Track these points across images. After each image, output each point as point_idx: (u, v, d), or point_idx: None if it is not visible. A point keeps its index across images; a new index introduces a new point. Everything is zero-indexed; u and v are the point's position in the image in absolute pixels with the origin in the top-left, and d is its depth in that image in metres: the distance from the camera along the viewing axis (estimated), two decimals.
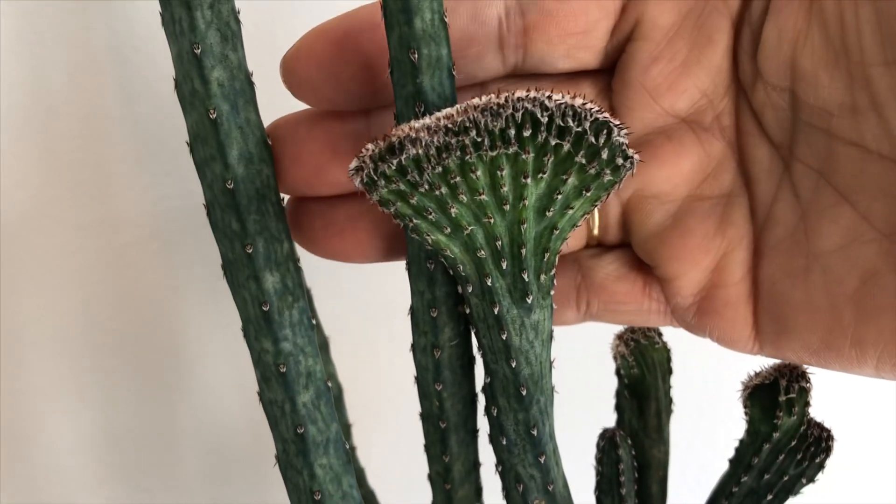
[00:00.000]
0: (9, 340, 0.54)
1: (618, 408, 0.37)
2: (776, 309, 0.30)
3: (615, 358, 0.36)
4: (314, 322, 0.31)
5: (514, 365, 0.30)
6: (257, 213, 0.29)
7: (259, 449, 0.63)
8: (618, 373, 0.36)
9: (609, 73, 0.32)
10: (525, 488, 0.32)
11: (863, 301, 0.27)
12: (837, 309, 0.28)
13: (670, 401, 0.37)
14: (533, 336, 0.30)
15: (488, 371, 0.31)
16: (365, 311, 0.56)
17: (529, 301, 0.29)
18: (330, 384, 0.32)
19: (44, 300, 0.54)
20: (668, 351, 0.36)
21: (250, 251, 0.29)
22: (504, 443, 0.32)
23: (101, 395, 0.58)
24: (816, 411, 0.34)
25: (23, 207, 0.52)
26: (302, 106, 0.33)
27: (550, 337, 0.31)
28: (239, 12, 0.29)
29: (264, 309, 0.30)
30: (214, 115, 0.28)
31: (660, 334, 0.35)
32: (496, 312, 0.29)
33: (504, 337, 0.29)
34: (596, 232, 0.34)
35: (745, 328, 0.31)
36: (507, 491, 0.33)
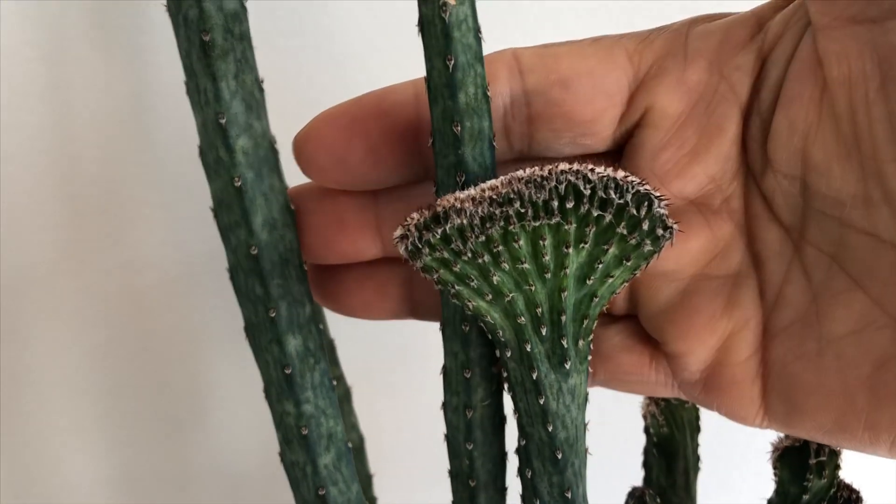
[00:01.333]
0: (31, 380, 0.54)
1: (645, 465, 0.38)
2: (787, 390, 0.30)
3: (644, 417, 0.36)
4: (335, 382, 0.32)
5: (550, 429, 0.30)
6: (280, 277, 0.29)
7: (274, 494, 0.63)
8: (646, 431, 0.36)
9: (616, 153, 0.33)
10: None
11: (877, 387, 0.27)
12: (851, 393, 0.28)
13: (698, 458, 0.37)
14: (570, 400, 0.30)
15: (523, 434, 0.31)
16: (387, 358, 0.56)
17: (567, 367, 0.29)
18: (350, 440, 0.32)
19: (65, 341, 0.55)
20: (697, 409, 0.36)
21: (273, 315, 0.29)
22: None
23: (120, 437, 0.58)
24: (846, 471, 0.35)
25: (46, 250, 0.52)
26: None
27: (586, 400, 0.31)
28: (262, 81, 0.29)
29: (287, 372, 0.30)
30: (239, 184, 0.28)
31: None
32: (534, 377, 0.29)
33: (541, 401, 0.29)
34: None
35: (753, 406, 0.31)
36: None
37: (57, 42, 0.48)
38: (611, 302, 0.34)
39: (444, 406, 0.33)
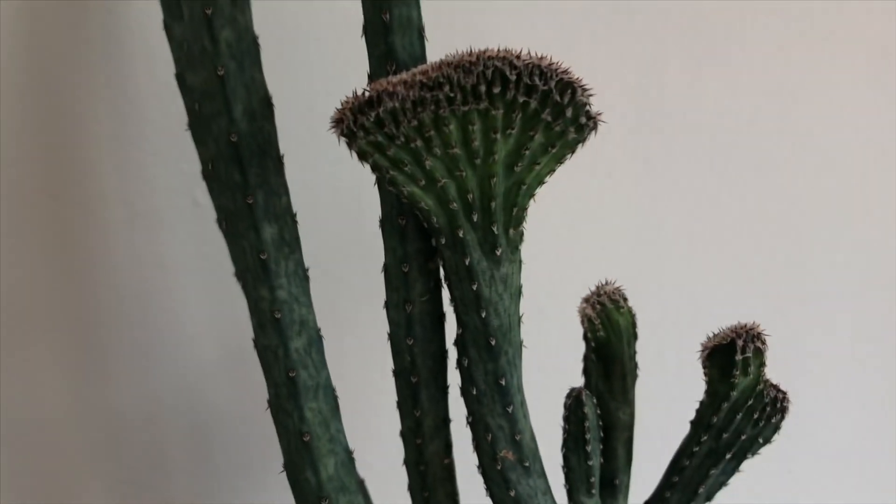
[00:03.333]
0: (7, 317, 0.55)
1: (585, 371, 0.39)
2: None
3: (582, 321, 0.37)
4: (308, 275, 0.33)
5: (484, 315, 0.31)
6: (258, 166, 0.31)
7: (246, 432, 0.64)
8: (585, 336, 0.38)
9: None
10: (494, 438, 0.34)
11: None
12: None
13: (635, 365, 0.38)
14: (502, 289, 0.31)
15: (460, 323, 0.32)
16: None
17: (498, 254, 0.30)
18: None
19: (33, 275, 0.56)
20: (633, 315, 0.37)
21: (251, 202, 0.31)
22: (474, 393, 0.33)
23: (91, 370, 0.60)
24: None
25: (18, 172, 0.54)
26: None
27: (519, 292, 0.32)
28: None
29: (262, 258, 0.31)
30: (222, 73, 0.29)
31: (625, 299, 0.37)
32: (467, 264, 0.30)
33: (475, 288, 0.31)
34: None
35: None
36: (477, 442, 0.34)
37: None
38: None
39: (386, 305, 0.35)
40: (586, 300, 0.37)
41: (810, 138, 0.63)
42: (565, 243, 0.58)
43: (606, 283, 0.37)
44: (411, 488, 0.39)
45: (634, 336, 0.38)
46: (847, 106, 0.63)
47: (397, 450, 0.39)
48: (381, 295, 0.36)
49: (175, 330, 0.62)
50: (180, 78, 0.40)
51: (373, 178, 0.34)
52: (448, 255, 0.31)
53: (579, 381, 0.40)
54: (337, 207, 0.58)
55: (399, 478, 0.40)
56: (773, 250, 0.64)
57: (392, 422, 0.39)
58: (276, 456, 0.62)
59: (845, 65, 0.63)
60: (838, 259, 0.65)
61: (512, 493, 0.34)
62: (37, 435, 0.61)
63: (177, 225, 0.59)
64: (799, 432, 0.61)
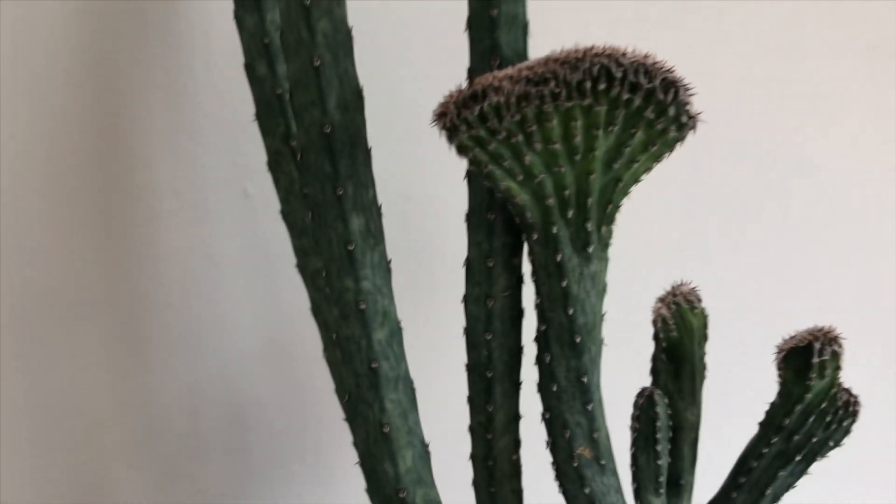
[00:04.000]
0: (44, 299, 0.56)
1: (653, 371, 0.39)
2: None
3: (655, 322, 0.37)
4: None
5: (570, 312, 0.31)
6: (349, 157, 0.31)
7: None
8: (656, 336, 0.38)
9: None
10: (572, 435, 0.34)
11: None
12: None
13: (704, 366, 0.38)
14: (590, 286, 0.31)
15: (543, 319, 0.33)
16: None
17: (590, 251, 0.30)
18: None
19: (80, 264, 0.56)
20: (705, 317, 0.37)
21: (341, 193, 0.31)
22: (554, 390, 0.33)
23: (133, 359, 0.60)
24: None
25: (70, 161, 0.54)
26: None
27: (604, 290, 0.32)
28: None
29: (349, 248, 0.31)
30: (318, 63, 0.30)
31: (699, 300, 0.37)
32: (558, 260, 0.30)
33: (564, 284, 0.31)
34: None
35: None
36: (553, 439, 0.34)
37: None
38: None
39: (466, 298, 0.35)
40: (661, 300, 0.37)
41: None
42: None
43: (682, 284, 0.37)
44: (476, 483, 0.39)
45: (705, 337, 0.38)
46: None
47: (461, 445, 0.39)
48: (451, 290, 0.36)
49: (219, 321, 0.62)
50: (249, 68, 0.40)
51: (456, 173, 0.34)
52: (538, 251, 0.31)
53: (639, 382, 0.40)
54: (413, 203, 0.58)
55: (462, 473, 0.40)
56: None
57: (457, 417, 0.39)
58: (311, 449, 0.62)
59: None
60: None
61: (587, 491, 0.34)
62: (77, 425, 0.61)
63: (226, 217, 0.59)
64: None
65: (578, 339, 0.32)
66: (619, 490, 0.36)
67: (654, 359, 0.39)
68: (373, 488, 0.34)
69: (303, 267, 0.41)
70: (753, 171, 0.62)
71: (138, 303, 0.60)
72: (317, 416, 0.63)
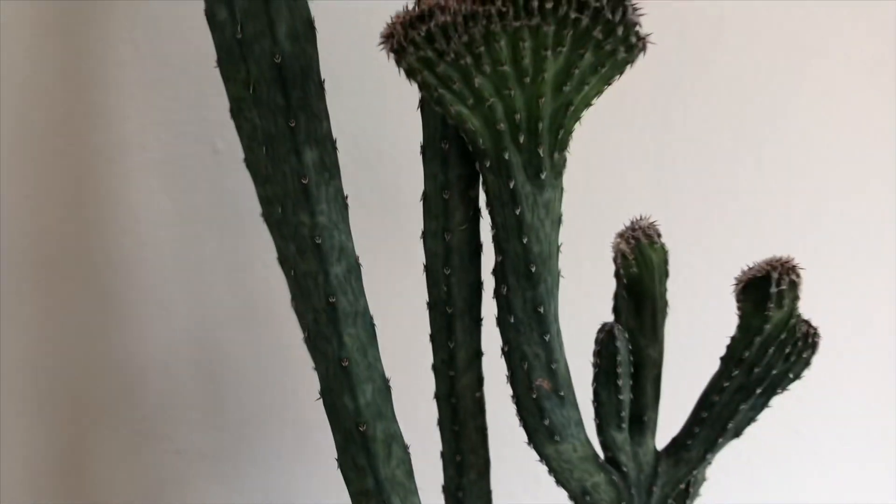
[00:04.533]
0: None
1: (615, 310, 0.39)
2: None
3: (615, 258, 0.37)
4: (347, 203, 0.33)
5: (525, 241, 0.31)
6: (301, 90, 0.31)
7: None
8: (617, 273, 0.38)
9: None
10: (530, 366, 0.34)
11: None
12: None
13: (666, 303, 0.38)
14: (544, 214, 0.31)
15: (500, 251, 0.32)
16: None
17: (543, 178, 0.30)
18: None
19: (50, 222, 0.55)
20: (665, 252, 0.37)
21: (293, 125, 0.31)
22: (512, 322, 0.33)
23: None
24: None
25: (39, 119, 0.53)
26: None
27: (559, 220, 0.32)
28: None
29: (303, 182, 0.31)
30: None
31: (659, 234, 0.37)
32: (511, 187, 0.30)
33: (517, 213, 0.31)
34: None
35: None
36: (512, 371, 0.35)
37: None
38: None
39: (424, 234, 0.35)
40: (621, 235, 0.37)
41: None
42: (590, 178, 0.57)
43: (641, 219, 0.37)
44: (441, 422, 0.39)
45: (666, 273, 0.38)
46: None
47: (426, 385, 0.39)
48: (412, 226, 0.36)
49: (192, 278, 0.62)
50: (210, 15, 0.40)
51: (411, 105, 0.34)
52: (492, 180, 0.31)
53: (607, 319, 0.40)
54: (373, 136, 0.57)
55: (428, 413, 0.40)
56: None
57: (422, 356, 0.39)
58: (288, 405, 0.62)
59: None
60: None
61: (546, 422, 0.35)
62: (51, 385, 0.61)
63: (196, 172, 0.59)
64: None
65: (534, 269, 0.32)
66: (579, 423, 0.36)
67: (616, 296, 0.39)
68: (334, 423, 0.34)
69: (267, 216, 0.41)
70: (727, 117, 0.61)
71: (109, 260, 0.59)
72: (292, 371, 0.63)
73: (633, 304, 0.38)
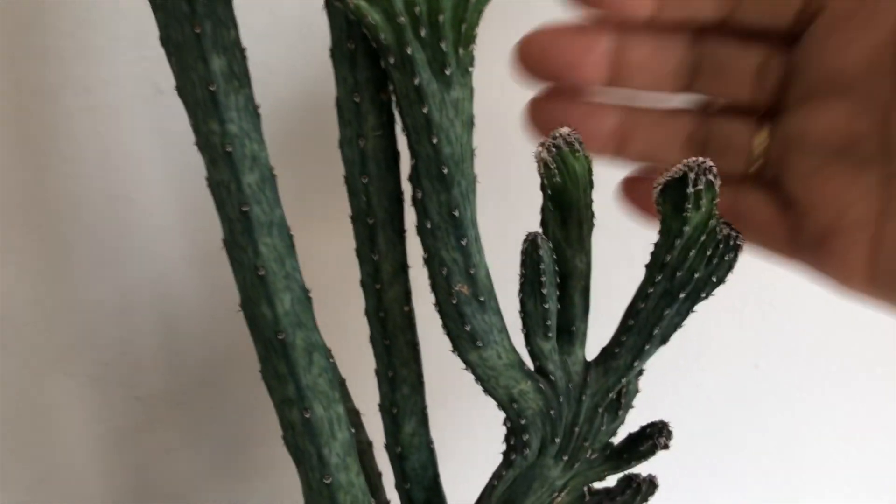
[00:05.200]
0: None
1: (543, 222, 0.39)
2: (893, 260, 0.35)
3: (539, 167, 0.37)
4: (259, 112, 0.33)
5: (435, 142, 0.31)
6: None
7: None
8: (542, 185, 0.38)
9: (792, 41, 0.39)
10: (448, 272, 0.34)
11: None
12: None
13: (592, 214, 0.39)
14: (453, 114, 0.31)
15: (413, 153, 0.32)
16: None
17: (448, 73, 0.30)
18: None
19: None
20: (589, 161, 0.37)
21: (199, 31, 0.30)
22: (428, 227, 0.33)
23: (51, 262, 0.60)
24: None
25: None
26: None
27: (471, 122, 0.32)
28: None
29: (211, 89, 0.31)
30: None
31: (581, 143, 0.37)
32: (416, 84, 0.30)
33: (425, 111, 0.31)
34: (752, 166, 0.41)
35: (859, 266, 0.36)
36: (433, 279, 0.35)
37: None
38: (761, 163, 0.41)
39: (340, 143, 0.35)
40: (542, 144, 0.37)
41: None
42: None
43: (562, 127, 0.37)
44: (372, 338, 0.40)
45: (591, 183, 0.38)
46: None
47: (358, 302, 0.40)
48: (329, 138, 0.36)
49: (143, 223, 0.62)
50: None
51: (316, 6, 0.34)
52: (398, 78, 0.31)
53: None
54: (283, 43, 0.57)
55: (359, 331, 0.40)
56: None
57: (350, 274, 0.39)
58: (248, 349, 0.63)
59: None
60: None
61: (467, 328, 0.35)
62: (5, 331, 0.61)
63: (140, 113, 0.59)
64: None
65: (446, 171, 0.32)
66: (502, 330, 0.36)
67: (543, 210, 0.39)
68: (255, 333, 0.34)
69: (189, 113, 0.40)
70: None
71: (58, 205, 0.59)
72: None
73: (559, 214, 0.38)
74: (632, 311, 0.38)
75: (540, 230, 0.40)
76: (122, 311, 0.64)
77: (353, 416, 0.45)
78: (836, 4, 0.36)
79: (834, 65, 0.37)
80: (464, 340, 0.35)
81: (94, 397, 0.66)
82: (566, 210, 0.38)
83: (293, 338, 0.33)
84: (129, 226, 0.61)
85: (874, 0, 0.35)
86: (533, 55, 0.39)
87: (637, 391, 0.42)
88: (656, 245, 0.37)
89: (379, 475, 0.45)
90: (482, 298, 0.34)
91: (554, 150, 0.36)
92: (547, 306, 0.37)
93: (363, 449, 0.45)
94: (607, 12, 0.39)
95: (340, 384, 0.44)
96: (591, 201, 0.39)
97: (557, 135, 0.36)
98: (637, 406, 0.42)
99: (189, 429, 0.70)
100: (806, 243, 0.39)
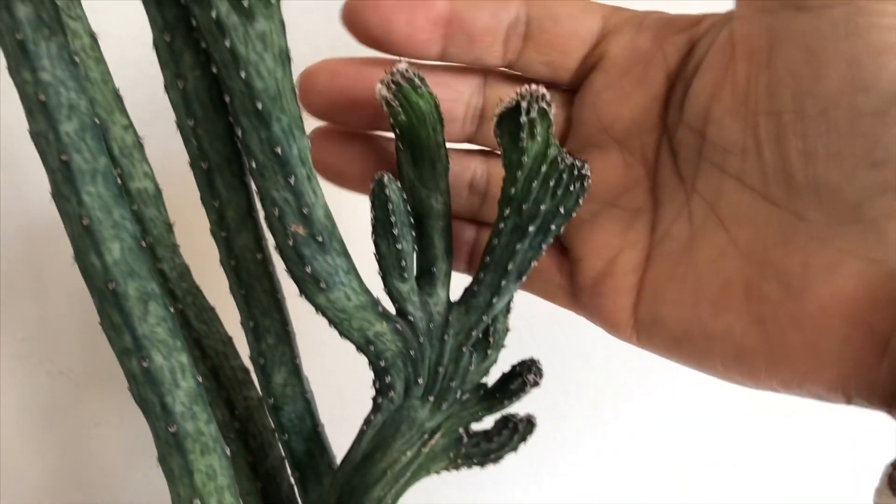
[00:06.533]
0: None
1: (397, 163, 0.39)
2: (654, 302, 0.38)
3: (381, 105, 0.36)
4: (77, 60, 0.32)
5: (244, 76, 0.31)
6: None
7: None
8: (391, 125, 0.37)
9: (572, 92, 0.42)
10: (281, 212, 0.33)
11: (718, 303, 0.35)
12: (699, 307, 0.36)
13: (445, 153, 0.38)
14: (261, 48, 0.31)
15: (227, 91, 0.32)
16: None
17: (247, 5, 0.30)
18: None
19: None
20: (434, 98, 0.37)
21: None
22: (254, 166, 0.33)
23: None
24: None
25: None
26: None
27: (285, 55, 0.32)
28: None
29: (18, 38, 0.30)
30: None
31: (423, 80, 0.36)
32: (214, 17, 0.30)
33: (228, 45, 0.30)
34: None
35: (626, 314, 0.39)
36: (268, 220, 0.34)
37: None
38: None
39: (166, 88, 0.34)
40: (381, 81, 0.36)
41: None
42: None
43: (400, 62, 0.36)
44: (231, 289, 0.39)
45: (440, 122, 0.37)
46: None
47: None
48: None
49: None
50: None
51: None
52: (198, 13, 0.30)
53: None
54: None
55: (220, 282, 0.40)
56: None
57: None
58: None
59: None
60: None
61: (308, 270, 0.34)
62: None
63: None
64: None
65: (261, 106, 0.31)
66: (349, 271, 0.36)
67: (396, 151, 0.39)
68: (89, 286, 0.34)
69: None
70: None
71: None
72: None
73: (410, 154, 0.38)
74: (488, 248, 0.38)
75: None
76: (39, 286, 0.63)
77: (242, 374, 0.44)
78: (613, 60, 0.39)
79: (608, 117, 0.39)
80: (308, 283, 0.35)
81: (16, 375, 0.66)
82: (416, 149, 0.38)
83: (125, 287, 0.33)
84: (36, 189, 0.61)
85: (647, 59, 0.38)
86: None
87: (507, 330, 0.42)
88: (504, 179, 0.37)
89: (272, 431, 0.44)
90: (320, 239, 0.34)
91: (394, 86, 0.36)
92: (400, 247, 0.37)
93: (253, 405, 0.44)
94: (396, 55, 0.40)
95: (226, 342, 0.44)
96: (443, 140, 0.38)
97: (395, 70, 0.36)
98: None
99: (117, 400, 0.69)
100: (579, 291, 0.41)
